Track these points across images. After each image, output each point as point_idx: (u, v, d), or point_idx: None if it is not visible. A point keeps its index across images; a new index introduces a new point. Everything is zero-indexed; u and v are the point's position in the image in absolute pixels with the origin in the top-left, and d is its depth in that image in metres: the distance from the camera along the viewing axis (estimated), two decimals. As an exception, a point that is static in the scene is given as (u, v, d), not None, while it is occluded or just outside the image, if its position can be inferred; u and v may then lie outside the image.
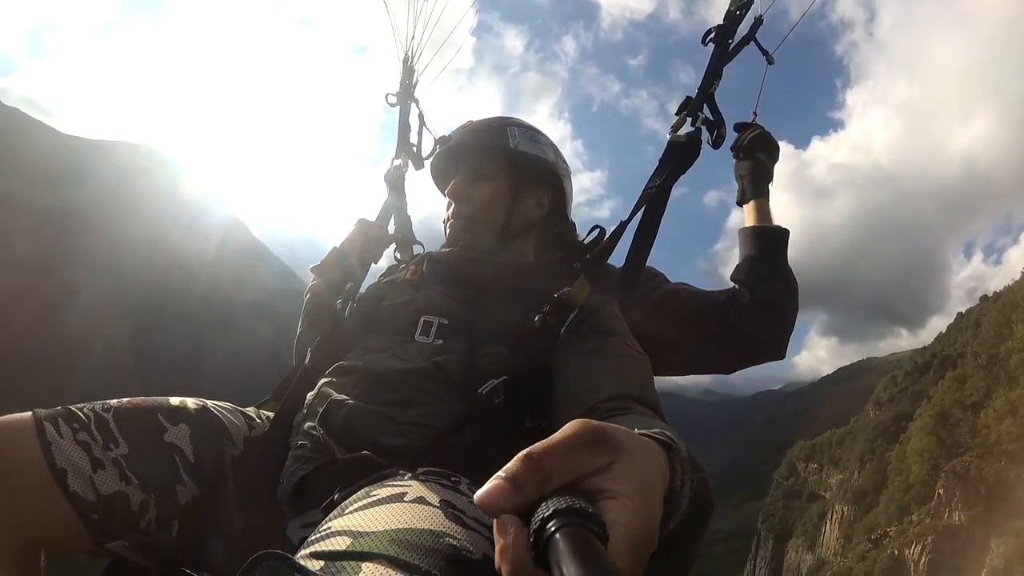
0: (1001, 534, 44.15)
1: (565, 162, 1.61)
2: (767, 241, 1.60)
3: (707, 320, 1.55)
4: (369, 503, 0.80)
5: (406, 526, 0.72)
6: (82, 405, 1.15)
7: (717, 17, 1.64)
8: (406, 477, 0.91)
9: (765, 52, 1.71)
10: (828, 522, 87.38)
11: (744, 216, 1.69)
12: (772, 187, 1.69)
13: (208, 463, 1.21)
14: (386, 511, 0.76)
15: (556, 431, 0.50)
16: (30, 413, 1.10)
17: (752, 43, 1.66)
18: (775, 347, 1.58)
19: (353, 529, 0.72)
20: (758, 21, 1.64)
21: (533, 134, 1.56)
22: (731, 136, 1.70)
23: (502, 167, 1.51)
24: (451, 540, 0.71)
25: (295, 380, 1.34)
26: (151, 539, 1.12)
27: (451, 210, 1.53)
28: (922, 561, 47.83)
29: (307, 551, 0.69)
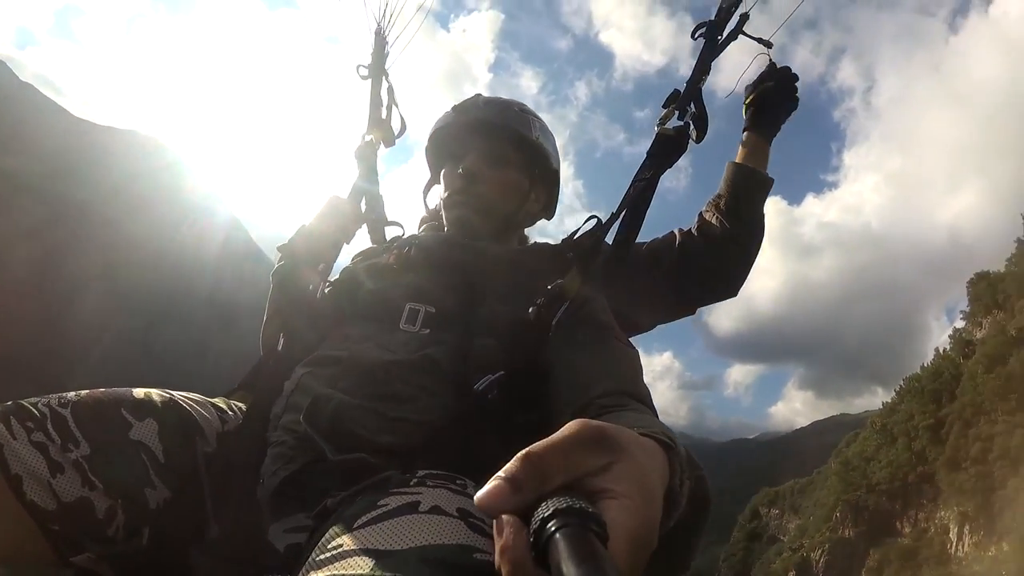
0: (877, 547, 66.04)
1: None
2: (756, 185, 1.53)
3: (663, 257, 1.53)
4: (380, 515, 0.73)
5: (433, 542, 0.66)
6: (36, 400, 1.02)
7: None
8: (412, 483, 0.84)
9: (760, 40, 1.63)
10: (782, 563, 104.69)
11: (741, 150, 1.59)
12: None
13: (179, 462, 1.08)
14: (404, 524, 0.70)
15: (548, 425, 0.50)
16: None
17: (740, 38, 1.60)
18: (733, 284, 1.58)
19: (372, 547, 0.65)
20: (744, 17, 1.59)
21: (546, 129, 1.50)
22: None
23: (522, 157, 1.43)
24: (481, 555, 0.67)
25: (270, 367, 1.24)
26: (119, 549, 0.99)
27: (458, 187, 1.40)
28: (821, 562, 69.60)
29: (322, 574, 0.63)
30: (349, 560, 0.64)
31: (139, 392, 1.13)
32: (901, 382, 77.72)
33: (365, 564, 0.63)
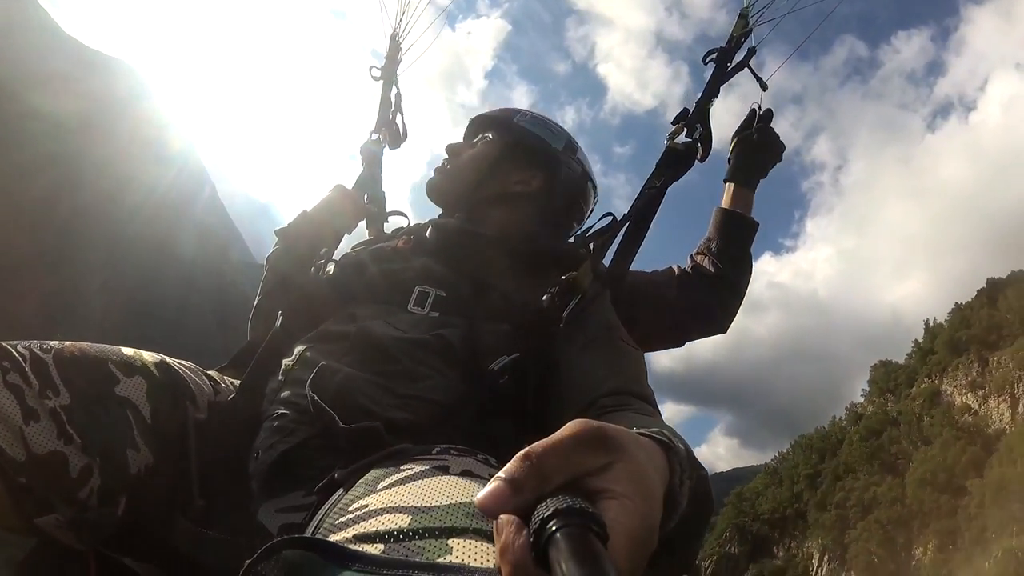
0: (755, 563, 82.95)
1: (578, 156, 1.50)
2: (743, 229, 1.64)
3: (662, 287, 1.58)
4: (407, 477, 0.68)
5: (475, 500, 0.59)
6: (15, 342, 0.92)
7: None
8: (434, 451, 0.80)
9: (759, 79, 1.71)
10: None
11: (725, 196, 1.70)
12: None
13: (167, 426, 1.00)
14: (438, 484, 0.64)
15: (553, 421, 0.49)
16: None
17: (747, 69, 1.68)
18: (724, 320, 1.65)
19: (408, 504, 0.59)
20: (751, 51, 1.66)
21: (544, 121, 1.50)
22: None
23: (498, 136, 1.45)
24: None
25: (266, 343, 1.17)
26: (90, 516, 0.89)
27: (441, 162, 1.47)
28: (708, 570, 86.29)
29: (347, 534, 0.57)
30: (380, 518, 0.58)
31: (128, 350, 1.05)
32: (796, 437, 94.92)
33: (401, 519, 0.56)
